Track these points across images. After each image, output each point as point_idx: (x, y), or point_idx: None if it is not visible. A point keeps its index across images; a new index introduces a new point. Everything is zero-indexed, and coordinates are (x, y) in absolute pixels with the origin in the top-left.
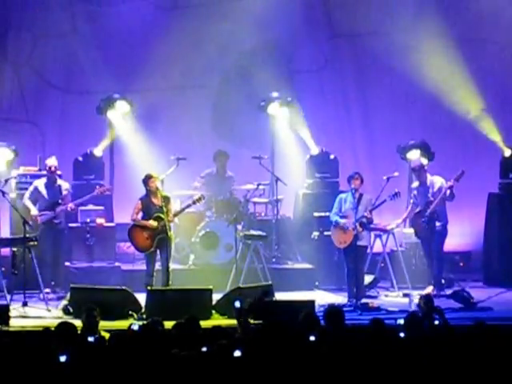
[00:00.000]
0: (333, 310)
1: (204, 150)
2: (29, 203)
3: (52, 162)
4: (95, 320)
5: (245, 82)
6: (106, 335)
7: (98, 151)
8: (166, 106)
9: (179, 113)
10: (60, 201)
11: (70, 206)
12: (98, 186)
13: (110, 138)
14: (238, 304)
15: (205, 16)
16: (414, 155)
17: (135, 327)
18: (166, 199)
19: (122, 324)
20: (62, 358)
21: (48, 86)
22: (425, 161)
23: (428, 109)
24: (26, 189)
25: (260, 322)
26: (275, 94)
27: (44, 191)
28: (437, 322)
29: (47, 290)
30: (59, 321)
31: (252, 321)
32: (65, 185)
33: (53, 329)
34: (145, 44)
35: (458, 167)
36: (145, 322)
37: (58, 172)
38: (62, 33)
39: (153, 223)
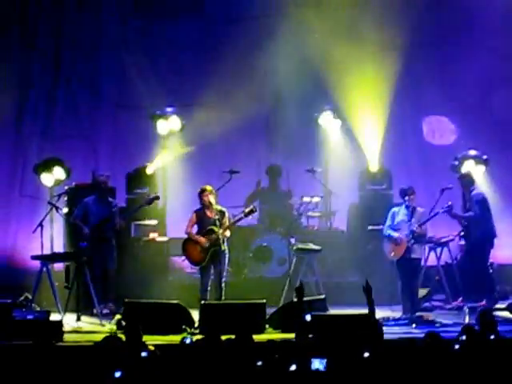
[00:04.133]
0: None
1: (257, 164)
2: (78, 221)
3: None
4: (139, 334)
5: (299, 94)
6: (152, 349)
7: (149, 169)
8: (219, 120)
9: (232, 126)
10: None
11: (121, 223)
12: (146, 196)
13: (161, 154)
14: (309, 317)
15: (258, 29)
16: (468, 167)
17: (187, 341)
18: (221, 213)
19: (175, 338)
20: (117, 374)
21: (100, 101)
22: (482, 168)
23: (483, 120)
24: (78, 204)
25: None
26: (326, 107)
27: (93, 208)
28: (492, 336)
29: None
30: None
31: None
32: (113, 202)
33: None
34: (197, 58)
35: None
36: (198, 337)
37: (110, 187)
38: (114, 47)
39: (202, 239)
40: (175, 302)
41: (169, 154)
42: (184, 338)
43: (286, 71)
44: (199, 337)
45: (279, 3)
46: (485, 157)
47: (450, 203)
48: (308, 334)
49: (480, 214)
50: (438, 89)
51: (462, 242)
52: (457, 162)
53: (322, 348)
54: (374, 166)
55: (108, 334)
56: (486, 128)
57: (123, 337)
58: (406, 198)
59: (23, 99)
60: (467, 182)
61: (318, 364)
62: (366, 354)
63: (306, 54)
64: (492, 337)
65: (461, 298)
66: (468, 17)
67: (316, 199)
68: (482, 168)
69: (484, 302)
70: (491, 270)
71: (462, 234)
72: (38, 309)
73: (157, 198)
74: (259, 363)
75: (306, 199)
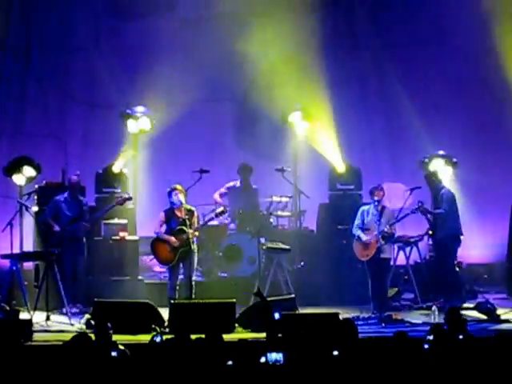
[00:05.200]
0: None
1: (227, 163)
2: (49, 220)
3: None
4: (109, 333)
5: (267, 95)
6: (122, 348)
7: (116, 167)
8: (189, 120)
9: (202, 126)
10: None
11: (86, 226)
12: (116, 196)
13: (128, 152)
14: (277, 316)
15: (228, 29)
16: (437, 165)
17: (158, 339)
18: (190, 212)
19: (144, 338)
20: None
21: (71, 100)
22: (449, 170)
23: (451, 119)
24: (48, 202)
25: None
26: (297, 106)
27: (64, 207)
28: (461, 336)
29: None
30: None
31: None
32: (84, 200)
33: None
34: (167, 58)
35: (482, 177)
36: (168, 336)
37: (81, 186)
38: (85, 47)
39: (173, 239)
40: (145, 301)
41: (129, 153)
42: (154, 336)
43: (256, 70)
44: (169, 336)
45: (248, 3)
46: (454, 160)
47: (419, 203)
48: (277, 332)
49: (448, 212)
50: (411, 89)
51: (431, 242)
52: (426, 160)
53: (290, 346)
54: (339, 165)
55: (77, 333)
56: (456, 128)
57: (93, 336)
58: (374, 197)
59: None
60: (434, 180)
61: (274, 355)
62: (335, 353)
63: (274, 54)
64: (461, 336)
65: (442, 300)
66: (438, 16)
67: (285, 199)
68: (449, 169)
69: (441, 301)
70: (457, 269)
71: (430, 232)
72: (8, 308)
73: (129, 198)
74: (229, 362)
75: (276, 199)
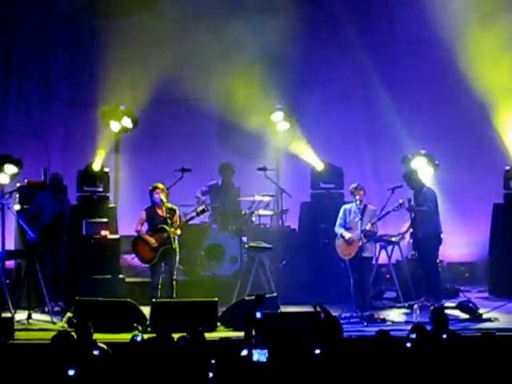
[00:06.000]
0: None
1: (209, 162)
2: (26, 226)
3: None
4: (90, 332)
5: (250, 94)
6: (104, 347)
7: (95, 165)
8: (171, 119)
9: (184, 125)
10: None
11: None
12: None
13: (105, 150)
14: (259, 315)
15: (209, 28)
16: (419, 163)
17: (138, 338)
18: (172, 211)
19: (125, 336)
20: (71, 372)
21: (52, 99)
22: (430, 170)
23: (432, 119)
24: (30, 201)
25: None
26: (278, 106)
27: (46, 205)
28: (445, 335)
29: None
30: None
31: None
32: (65, 199)
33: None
34: (148, 56)
35: (463, 177)
36: (150, 335)
37: (62, 184)
38: (66, 46)
39: (153, 242)
40: (126, 299)
41: (120, 152)
42: (135, 335)
43: (237, 70)
44: (150, 335)
45: (230, 4)
46: (437, 162)
47: (400, 201)
48: (259, 331)
49: (432, 209)
50: (388, 88)
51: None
52: (410, 156)
53: (270, 344)
54: (319, 164)
55: (59, 332)
56: (438, 127)
57: (74, 335)
58: (356, 196)
59: None
60: (415, 179)
61: (257, 355)
62: (317, 351)
63: (257, 54)
64: (444, 336)
65: (423, 299)
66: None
67: (267, 198)
68: (430, 170)
69: (422, 300)
70: (440, 268)
71: (411, 230)
72: None
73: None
74: (212, 361)
75: (258, 197)
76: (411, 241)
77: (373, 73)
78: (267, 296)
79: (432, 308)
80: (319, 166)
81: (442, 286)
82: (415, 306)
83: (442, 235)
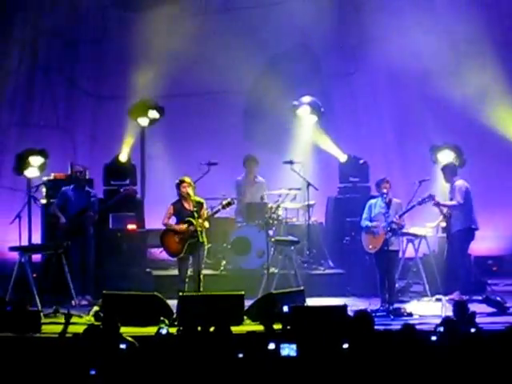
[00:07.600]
0: (362, 316)
1: (235, 156)
2: (57, 211)
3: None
4: (117, 326)
5: (276, 87)
6: (131, 340)
7: (122, 157)
8: (197, 112)
9: (210, 118)
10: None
11: (91, 214)
12: (122, 190)
13: (131, 142)
14: (286, 309)
15: (235, 21)
16: (447, 156)
17: (163, 331)
18: (199, 204)
19: (152, 330)
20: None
21: (79, 92)
22: (457, 164)
23: (461, 114)
24: (57, 195)
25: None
26: (306, 99)
27: (72, 197)
28: (473, 330)
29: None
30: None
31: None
32: (92, 192)
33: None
34: (176, 49)
35: (490, 170)
36: (176, 329)
37: (87, 178)
38: (92, 38)
39: (182, 226)
40: (153, 293)
41: (147, 145)
42: (160, 328)
43: (263, 63)
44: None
45: None
46: (464, 157)
47: (427, 194)
48: (286, 325)
49: (463, 204)
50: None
51: (440, 235)
52: (439, 144)
53: (298, 338)
54: (351, 158)
55: (86, 326)
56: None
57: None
58: (382, 190)
59: (1, 89)
60: (450, 171)
61: (287, 350)
62: (345, 345)
63: (285, 46)
64: (473, 330)
65: (457, 292)
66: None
67: (294, 191)
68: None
69: (457, 294)
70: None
71: (444, 225)
72: (16, 300)
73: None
74: (240, 355)
75: (284, 191)
76: (438, 235)
77: (399, 63)
78: (294, 290)
79: (455, 302)
80: (343, 158)
81: (469, 279)
82: (443, 300)
83: (475, 231)
